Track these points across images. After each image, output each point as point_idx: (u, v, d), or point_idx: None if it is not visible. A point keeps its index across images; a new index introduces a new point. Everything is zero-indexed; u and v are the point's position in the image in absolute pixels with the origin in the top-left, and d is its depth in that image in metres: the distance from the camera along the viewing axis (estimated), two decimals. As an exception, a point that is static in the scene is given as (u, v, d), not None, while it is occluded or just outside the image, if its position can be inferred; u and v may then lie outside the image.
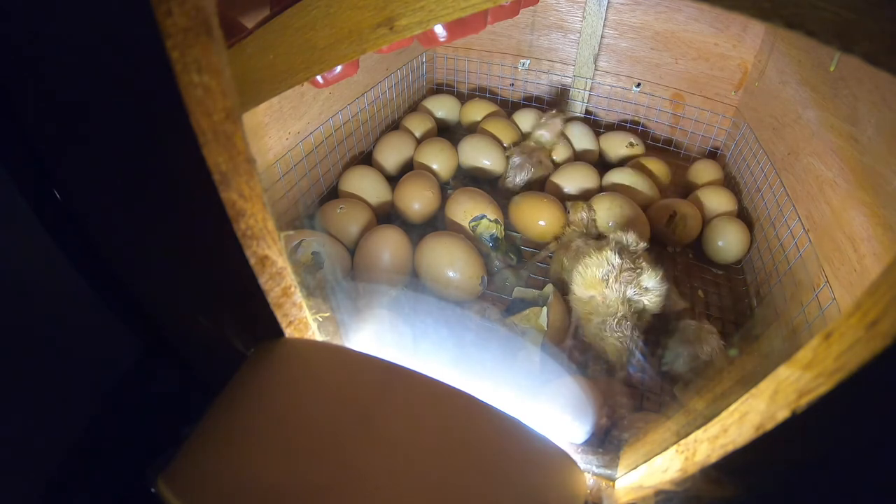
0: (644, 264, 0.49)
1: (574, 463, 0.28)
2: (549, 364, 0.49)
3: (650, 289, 0.49)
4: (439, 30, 0.41)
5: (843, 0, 0.15)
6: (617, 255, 0.48)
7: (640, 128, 0.93)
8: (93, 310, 0.34)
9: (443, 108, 0.93)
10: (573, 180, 0.74)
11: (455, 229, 0.66)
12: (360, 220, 0.64)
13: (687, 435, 0.25)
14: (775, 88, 0.69)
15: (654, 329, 0.54)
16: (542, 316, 0.52)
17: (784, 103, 0.65)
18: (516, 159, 0.75)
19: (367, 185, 0.70)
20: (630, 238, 0.51)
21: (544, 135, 0.79)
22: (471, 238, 0.64)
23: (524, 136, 0.84)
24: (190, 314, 0.33)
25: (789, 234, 0.58)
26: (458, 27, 0.42)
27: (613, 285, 0.47)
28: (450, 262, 0.58)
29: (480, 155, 0.78)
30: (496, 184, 0.78)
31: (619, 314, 0.48)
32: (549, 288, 0.56)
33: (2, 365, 0.29)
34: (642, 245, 0.51)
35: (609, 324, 0.48)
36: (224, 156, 0.21)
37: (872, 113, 0.45)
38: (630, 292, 0.47)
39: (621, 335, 0.48)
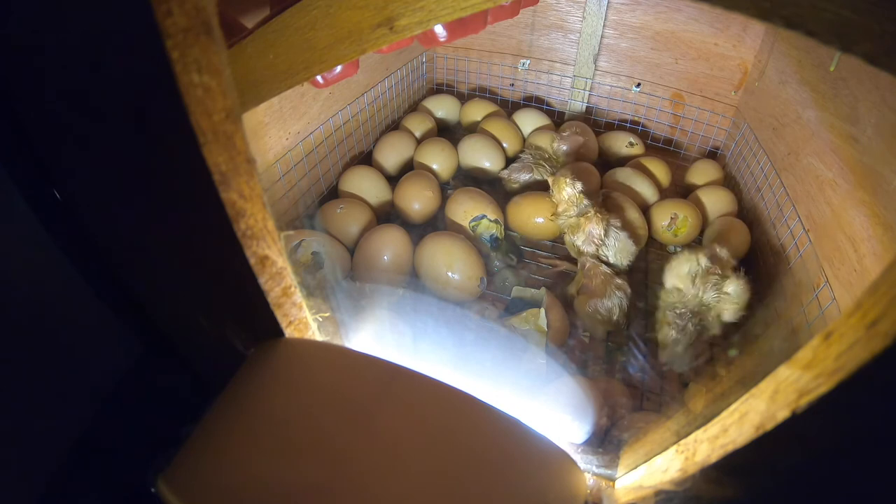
0: (731, 275, 0.52)
1: (574, 463, 0.28)
2: (550, 364, 0.49)
3: (730, 294, 0.52)
4: (439, 30, 0.41)
5: (843, 0, 0.15)
6: (707, 260, 0.52)
7: (640, 128, 0.93)
8: (93, 310, 0.34)
9: (443, 108, 0.93)
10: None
11: (455, 229, 0.66)
12: (360, 220, 0.64)
13: (687, 435, 0.25)
14: (775, 88, 0.69)
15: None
16: (542, 317, 0.52)
17: (784, 103, 0.65)
18: (516, 164, 0.76)
19: (367, 185, 0.70)
20: (723, 252, 0.55)
21: (562, 148, 0.78)
22: (471, 238, 0.64)
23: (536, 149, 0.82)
24: (190, 314, 0.33)
25: (789, 234, 0.58)
26: (458, 27, 0.42)
27: (698, 283, 0.52)
28: (450, 263, 0.58)
29: (480, 155, 0.78)
30: (496, 184, 0.78)
31: (688, 308, 0.52)
32: (543, 290, 0.57)
33: (2, 365, 0.29)
34: (733, 261, 0.55)
35: (673, 311, 0.52)
36: (224, 156, 0.21)
37: (872, 113, 0.45)
38: (709, 296, 0.51)
39: (677, 325, 0.51)
